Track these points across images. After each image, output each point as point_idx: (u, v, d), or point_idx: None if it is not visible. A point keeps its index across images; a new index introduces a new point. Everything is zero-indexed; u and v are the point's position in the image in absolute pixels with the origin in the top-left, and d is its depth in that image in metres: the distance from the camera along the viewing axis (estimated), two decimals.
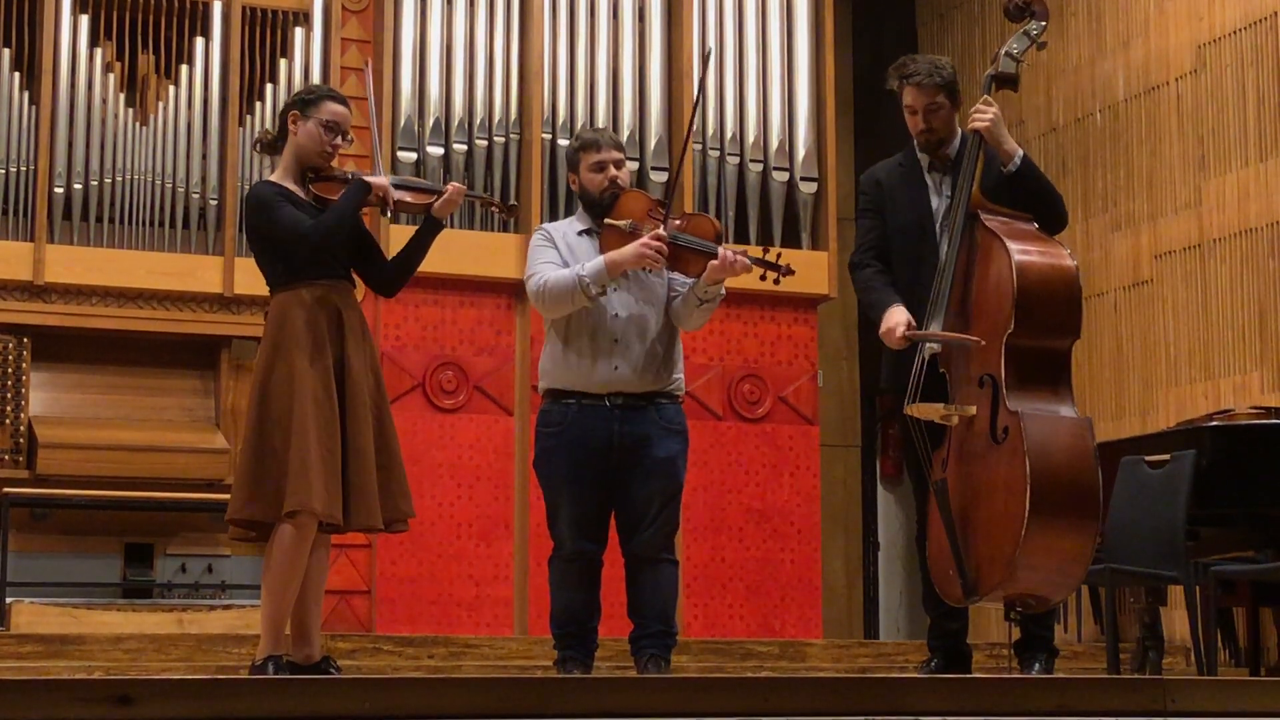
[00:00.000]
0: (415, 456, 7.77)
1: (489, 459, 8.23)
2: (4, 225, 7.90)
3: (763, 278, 5.17)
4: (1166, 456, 6.06)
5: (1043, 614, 5.02)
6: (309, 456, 4.69)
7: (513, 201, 8.08)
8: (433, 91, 8.33)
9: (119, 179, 8.03)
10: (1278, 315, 7.86)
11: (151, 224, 8.08)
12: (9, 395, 7.82)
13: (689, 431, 5.30)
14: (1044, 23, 5.14)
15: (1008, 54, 5.11)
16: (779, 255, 5.18)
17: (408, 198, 5.07)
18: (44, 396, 8.00)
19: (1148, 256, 8.64)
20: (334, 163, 5.07)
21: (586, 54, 8.60)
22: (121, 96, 8.13)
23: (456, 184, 5.13)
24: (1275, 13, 7.96)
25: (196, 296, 8.09)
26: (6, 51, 7.97)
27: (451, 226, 7.38)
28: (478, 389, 8.27)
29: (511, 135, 8.41)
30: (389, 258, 5.21)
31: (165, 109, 8.17)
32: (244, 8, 8.33)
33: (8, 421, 7.81)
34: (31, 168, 7.89)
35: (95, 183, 7.99)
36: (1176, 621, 7.84)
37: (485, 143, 8.36)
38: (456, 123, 8.35)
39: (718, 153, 8.68)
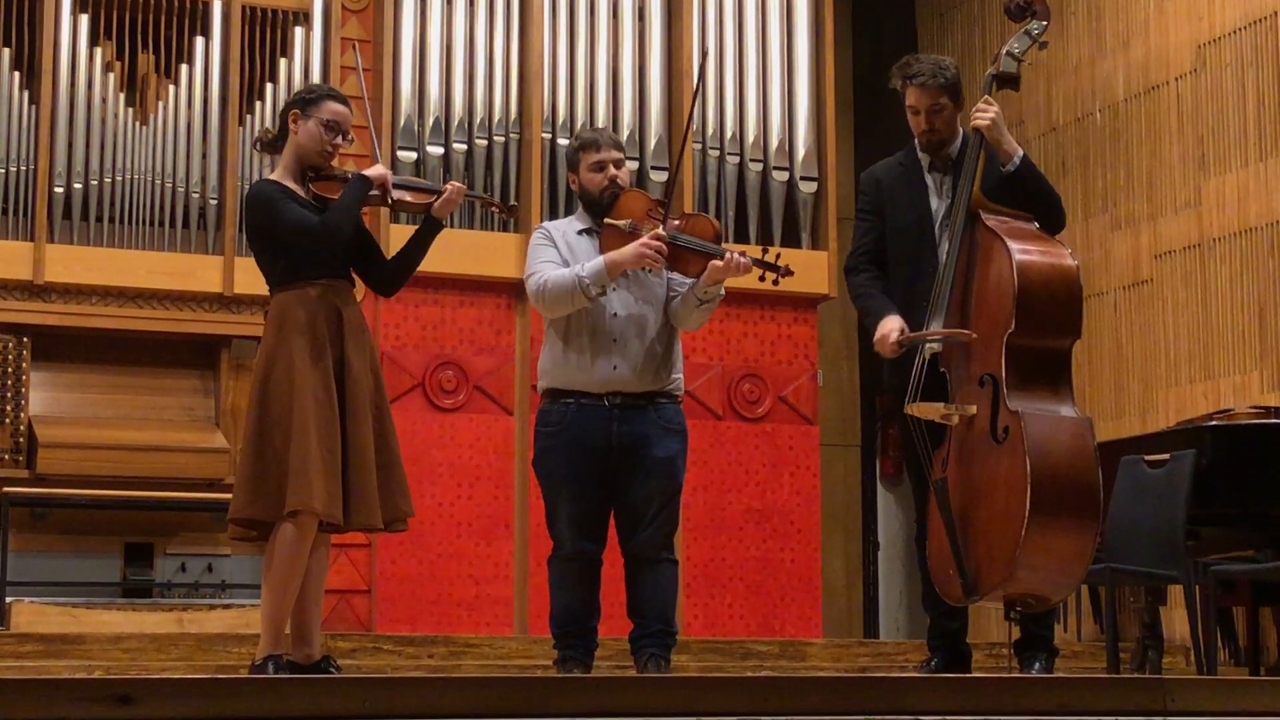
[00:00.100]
0: (415, 456, 7.77)
1: (489, 458, 8.23)
2: (4, 225, 7.90)
3: (761, 278, 5.18)
4: (1166, 456, 6.06)
5: (1043, 613, 5.02)
6: (309, 456, 4.69)
7: (513, 202, 8.09)
8: (432, 91, 8.33)
9: (119, 178, 8.03)
10: (1277, 315, 7.86)
11: (151, 223, 8.08)
12: (9, 395, 7.82)
13: (688, 431, 5.30)
14: (1045, 22, 5.14)
15: (1009, 53, 5.11)
16: (778, 256, 5.18)
17: (408, 197, 5.08)
18: (44, 396, 8.00)
19: (1147, 256, 8.64)
20: (334, 162, 5.07)
21: (586, 54, 8.61)
22: (121, 96, 8.12)
23: (456, 183, 5.13)
24: (1275, 12, 7.96)
25: (196, 296, 8.09)
26: (6, 51, 7.96)
27: (451, 226, 7.38)
28: (477, 388, 8.27)
29: (511, 135, 8.41)
30: (389, 257, 5.22)
31: (165, 108, 8.17)
32: (244, 7, 8.33)
33: (7, 421, 7.81)
34: (31, 167, 7.89)
35: (95, 182, 7.99)
36: (1176, 621, 7.84)
37: (485, 142, 8.36)
38: (456, 122, 8.35)
39: (717, 152, 8.69)
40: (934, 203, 5.16)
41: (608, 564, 5.21)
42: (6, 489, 7.58)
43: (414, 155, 8.25)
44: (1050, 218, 5.03)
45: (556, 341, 5.20)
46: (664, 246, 5.03)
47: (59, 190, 7.91)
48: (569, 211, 7.41)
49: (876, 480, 10.57)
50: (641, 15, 8.76)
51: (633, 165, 8.21)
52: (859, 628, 10.17)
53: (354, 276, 5.06)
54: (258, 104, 8.26)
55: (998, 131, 5.00)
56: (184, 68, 8.23)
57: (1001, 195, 4.98)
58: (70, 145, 7.98)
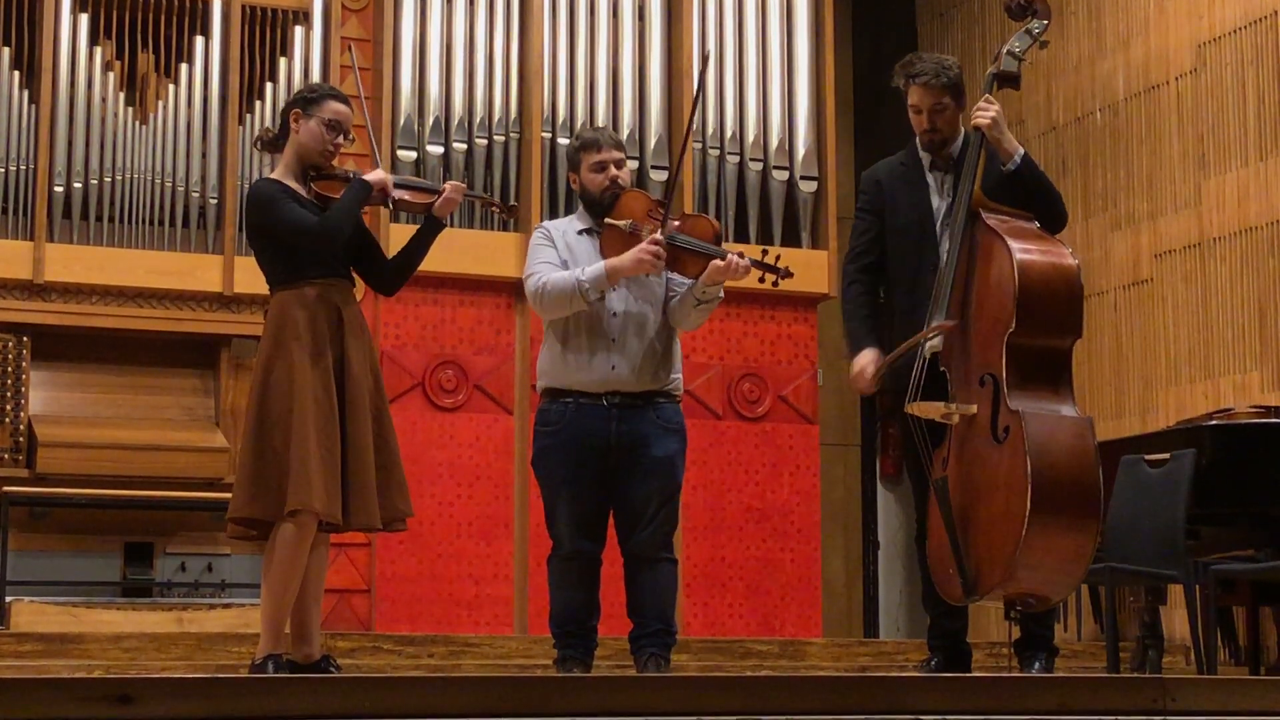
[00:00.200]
0: (415, 455, 7.77)
1: (489, 458, 8.23)
2: (3, 224, 7.90)
3: (761, 280, 5.19)
4: (1166, 456, 6.06)
5: (1043, 613, 5.01)
6: (309, 456, 4.69)
7: (513, 201, 8.09)
8: (432, 90, 8.33)
9: (119, 178, 8.03)
10: (1278, 314, 7.86)
11: (151, 223, 8.08)
12: (9, 394, 7.82)
13: (688, 431, 5.30)
14: (1046, 21, 5.14)
15: (1009, 52, 5.10)
16: (778, 258, 5.19)
17: (408, 197, 5.08)
18: (44, 395, 8.00)
19: (1148, 256, 8.63)
20: (334, 161, 5.07)
21: (586, 53, 8.61)
22: (121, 95, 8.12)
23: (456, 183, 5.14)
24: (1275, 12, 7.96)
25: (196, 295, 8.09)
26: (6, 50, 7.96)
27: (451, 225, 7.38)
28: (477, 388, 8.27)
29: (511, 134, 8.41)
30: (389, 257, 5.22)
31: (165, 108, 8.16)
32: (244, 6, 8.32)
33: (7, 420, 7.81)
34: (31, 166, 7.89)
35: (95, 181, 7.99)
36: (1176, 620, 7.84)
37: (485, 142, 8.36)
38: (456, 122, 8.35)
39: (717, 152, 8.69)
40: (935, 202, 5.16)
41: (607, 563, 5.21)
42: (6, 488, 7.58)
43: (414, 155, 8.25)
44: (1051, 216, 5.03)
45: (556, 341, 5.20)
46: (663, 252, 5.03)
47: (59, 189, 7.91)
48: (569, 211, 7.40)
49: (876, 480, 10.57)
50: (641, 15, 8.76)
51: (633, 165, 8.21)
52: (859, 627, 10.17)
53: (354, 276, 5.06)
54: (257, 103, 8.26)
55: (998, 130, 4.99)
56: (184, 67, 8.23)
57: (1002, 194, 4.98)
58: (70, 144, 7.98)
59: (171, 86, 8.20)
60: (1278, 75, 7.94)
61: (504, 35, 8.50)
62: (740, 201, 8.72)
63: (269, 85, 8.28)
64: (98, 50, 8.10)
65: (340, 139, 4.98)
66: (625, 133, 8.46)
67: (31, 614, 7.22)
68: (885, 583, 10.48)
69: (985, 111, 4.98)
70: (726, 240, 5.62)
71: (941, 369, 4.89)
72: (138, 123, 8.12)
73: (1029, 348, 4.72)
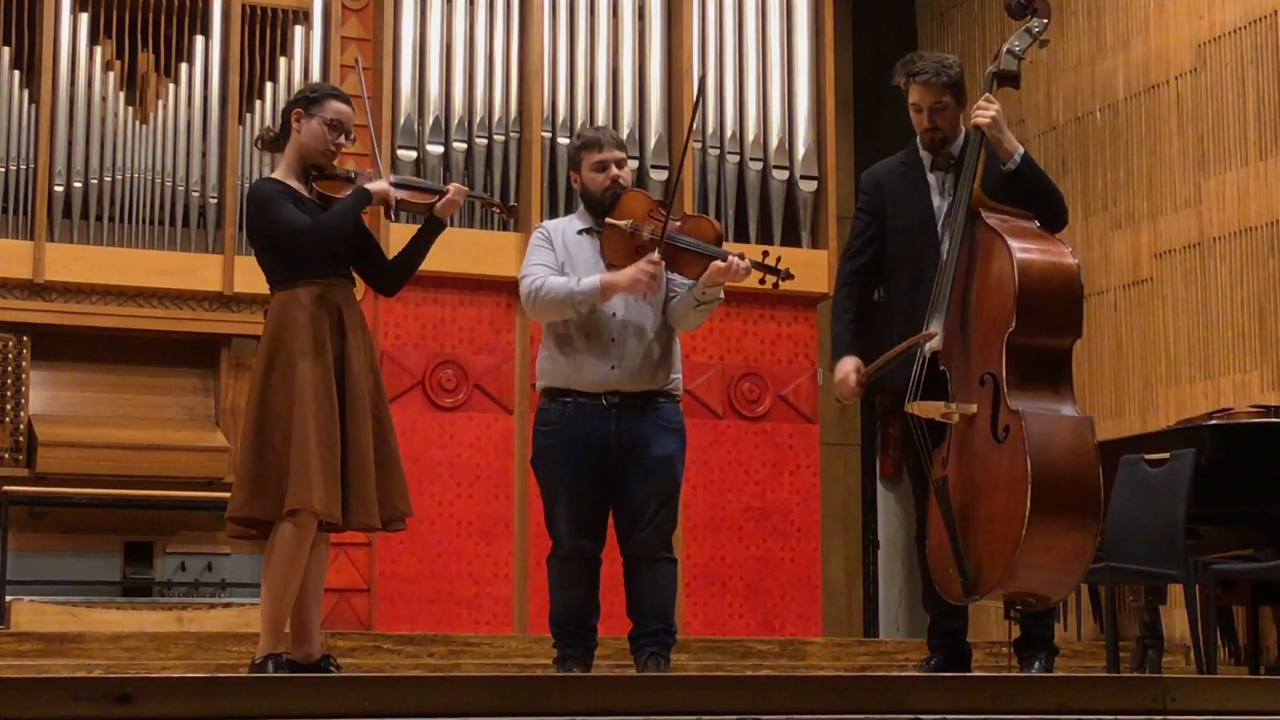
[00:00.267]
0: (415, 455, 7.77)
1: (489, 457, 8.23)
2: (3, 223, 7.90)
3: (761, 281, 5.19)
4: (1166, 455, 6.06)
5: (1043, 612, 5.01)
6: (309, 455, 4.69)
7: (512, 203, 8.09)
8: (432, 90, 8.33)
9: (119, 177, 8.03)
10: (1277, 314, 7.86)
11: (151, 222, 8.08)
12: (9, 394, 7.82)
13: (687, 430, 5.30)
14: (1046, 20, 5.13)
15: (1009, 51, 5.10)
16: (779, 259, 5.20)
17: (410, 197, 5.08)
18: (44, 395, 8.00)
19: (1147, 255, 8.63)
20: (335, 161, 5.07)
21: (586, 52, 8.61)
22: (121, 95, 8.12)
23: (458, 184, 5.15)
24: (1275, 11, 7.96)
25: (196, 295, 8.09)
26: (6, 50, 7.96)
27: (451, 225, 7.37)
28: (477, 387, 8.27)
29: (511, 134, 8.41)
30: (389, 257, 5.21)
31: (165, 107, 8.16)
32: (244, 6, 8.33)
33: (7, 420, 7.81)
34: (31, 166, 7.89)
35: (95, 181, 7.99)
36: (1176, 620, 7.84)
37: (485, 141, 8.36)
38: (456, 121, 8.35)
39: (717, 151, 8.69)
40: (935, 201, 5.15)
41: (607, 563, 5.21)
42: (6, 488, 7.58)
43: (414, 154, 8.25)
44: (1052, 216, 5.03)
45: (555, 341, 5.21)
46: (660, 273, 5.04)
47: (59, 189, 7.91)
48: (569, 210, 7.40)
49: (876, 479, 10.57)
50: (641, 14, 8.76)
51: (633, 165, 8.21)
52: (859, 627, 10.17)
53: (354, 276, 5.06)
54: (257, 103, 8.26)
55: (998, 129, 4.99)
56: (184, 66, 8.23)
57: (1003, 193, 4.98)
58: (70, 144, 7.98)
59: (171, 86, 8.20)
60: (1278, 75, 7.94)
61: (504, 35, 8.50)
62: (740, 201, 8.72)
63: (269, 85, 8.28)
64: (98, 50, 8.10)
65: (342, 139, 4.98)
66: (625, 132, 8.46)
67: (31, 613, 7.22)
68: (885, 582, 10.47)
69: (985, 110, 4.97)
70: (726, 240, 5.61)
71: (941, 368, 4.89)
72: (138, 122, 8.12)
73: (1029, 347, 4.72)
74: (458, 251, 7.88)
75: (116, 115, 8.07)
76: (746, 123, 8.77)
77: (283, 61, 8.34)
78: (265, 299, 5.14)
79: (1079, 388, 5.44)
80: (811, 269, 8.47)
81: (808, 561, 8.61)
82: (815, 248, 8.74)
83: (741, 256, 5.07)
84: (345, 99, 5.04)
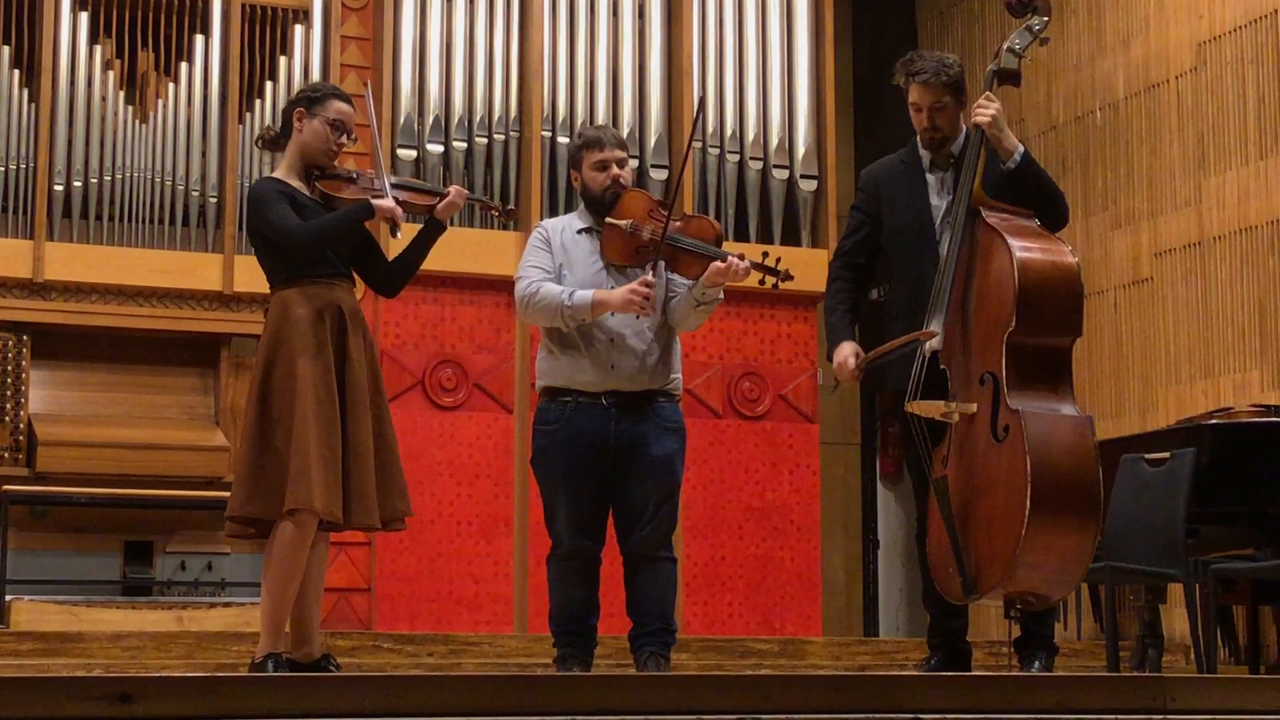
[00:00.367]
0: (415, 454, 7.77)
1: (489, 457, 8.23)
2: (3, 223, 7.90)
3: (761, 282, 5.19)
4: (1166, 454, 6.06)
5: (1043, 612, 5.01)
6: (310, 455, 4.69)
7: (510, 206, 8.08)
8: (432, 89, 8.33)
9: (118, 176, 8.03)
10: (1277, 313, 7.86)
11: (151, 221, 8.08)
12: (9, 393, 7.82)
13: (687, 430, 5.30)
14: (1046, 18, 5.13)
15: (1010, 49, 5.09)
16: (778, 260, 5.19)
17: (411, 198, 5.08)
18: (43, 394, 8.00)
19: (1148, 254, 8.63)
20: (336, 160, 5.07)
21: (586, 52, 8.61)
22: (121, 94, 8.12)
23: (458, 187, 5.15)
24: (1275, 10, 7.96)
25: (196, 294, 8.09)
26: (6, 49, 7.96)
27: (451, 224, 7.38)
28: (477, 387, 8.27)
29: (511, 133, 8.41)
30: (390, 258, 5.21)
31: (165, 106, 8.16)
32: (244, 5, 8.33)
33: (7, 419, 7.81)
34: (31, 165, 7.89)
35: (95, 180, 7.99)
36: (1176, 619, 7.84)
37: (485, 140, 8.36)
38: (456, 120, 8.35)
39: (717, 150, 8.69)
40: (934, 201, 5.15)
41: (607, 562, 5.21)
42: (6, 487, 7.58)
43: (414, 153, 8.25)
44: (1052, 214, 5.02)
45: (555, 341, 5.20)
46: (653, 295, 5.04)
47: (58, 188, 7.91)
48: (569, 209, 7.40)
49: (876, 478, 10.57)
50: (641, 13, 8.76)
51: (633, 164, 8.21)
52: (859, 626, 10.17)
53: (354, 275, 5.06)
54: (258, 102, 8.26)
55: (998, 128, 4.98)
56: (184, 66, 8.23)
57: (1003, 192, 4.97)
58: (70, 143, 7.98)
59: (171, 85, 8.20)
60: (1278, 75, 7.94)
61: (504, 34, 8.50)
62: (740, 200, 8.72)
63: (269, 84, 8.28)
64: (98, 49, 8.10)
65: (344, 139, 4.98)
66: (625, 131, 8.46)
67: (31, 613, 7.22)
68: (885, 581, 10.48)
69: (985, 109, 4.97)
70: (726, 239, 5.60)
71: (942, 367, 4.89)
72: (138, 121, 8.12)
73: (1029, 346, 4.71)
74: (458, 251, 7.88)
75: (116, 114, 8.07)
76: (746, 122, 8.77)
77: (283, 61, 8.34)
78: (265, 298, 5.14)
79: (1079, 387, 5.43)
80: (811, 268, 8.46)
81: (808, 561, 8.61)
82: (815, 247, 8.74)
83: (741, 257, 5.07)
84: (347, 99, 5.04)
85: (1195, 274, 8.31)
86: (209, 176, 8.18)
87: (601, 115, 8.51)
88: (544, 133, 8.41)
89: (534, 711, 3.30)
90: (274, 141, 5.07)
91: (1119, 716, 3.64)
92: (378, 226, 5.16)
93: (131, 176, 8.05)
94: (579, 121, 8.42)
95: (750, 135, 8.75)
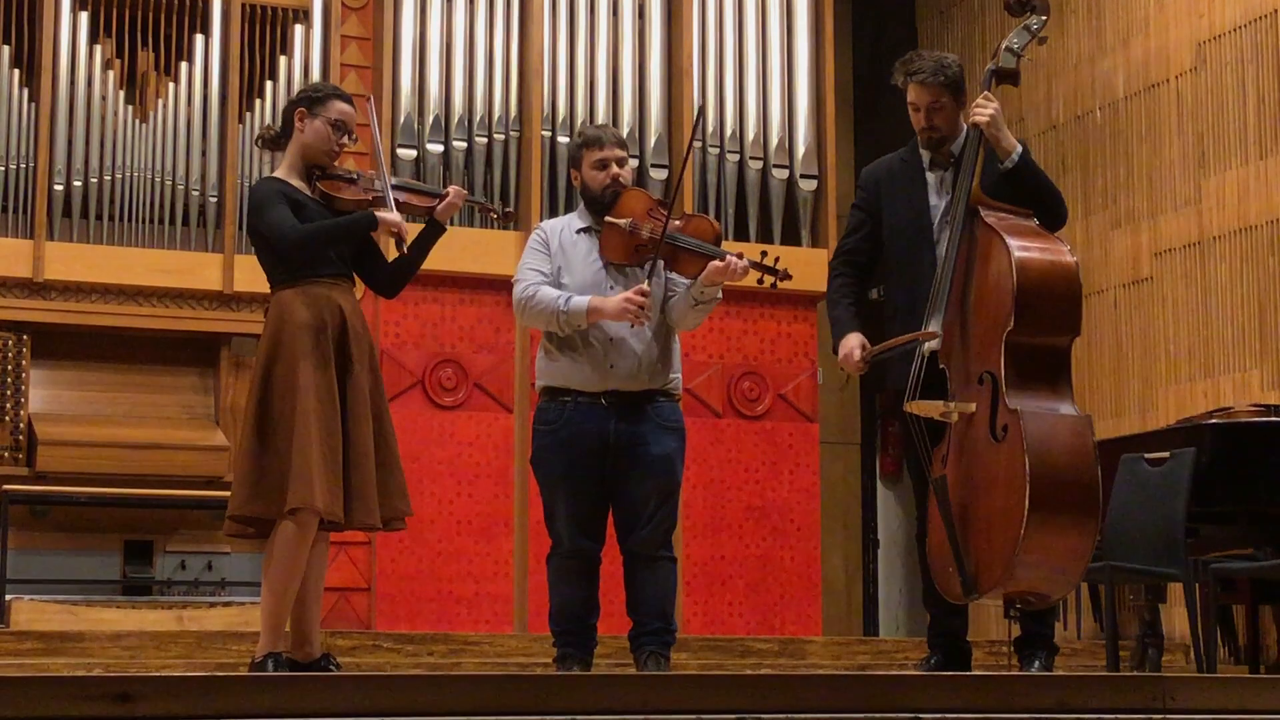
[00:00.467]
0: (415, 454, 7.77)
1: (488, 456, 8.23)
2: (3, 222, 7.90)
3: (760, 281, 5.19)
4: (1166, 454, 6.06)
5: (1043, 611, 5.01)
6: (310, 454, 4.68)
7: (509, 208, 8.09)
8: (432, 89, 8.33)
9: (118, 176, 8.03)
10: (1277, 313, 7.86)
11: (151, 221, 8.08)
12: (9, 392, 7.82)
13: (687, 429, 5.30)
14: (1045, 17, 5.13)
15: (1008, 49, 5.09)
16: (777, 259, 5.19)
17: (410, 200, 5.08)
18: (43, 393, 8.00)
19: (1147, 254, 8.63)
20: (337, 160, 5.07)
21: (586, 51, 8.61)
22: (121, 93, 8.13)
23: (457, 187, 5.16)
24: (1275, 10, 7.96)
25: (196, 294, 8.10)
26: (6, 49, 7.96)
27: (451, 224, 7.38)
28: (477, 386, 8.27)
29: (511, 132, 8.41)
30: (389, 259, 5.21)
31: (165, 106, 8.17)
32: (244, 5, 8.33)
33: (7, 419, 7.81)
34: (31, 165, 7.89)
35: (95, 180, 7.99)
36: (1176, 619, 7.84)
37: (485, 140, 8.36)
38: (456, 120, 8.35)
39: (717, 150, 8.69)
40: (933, 200, 5.15)
41: (607, 562, 5.21)
42: (6, 486, 7.58)
43: (414, 153, 8.25)
44: (1051, 214, 5.02)
45: (554, 341, 5.20)
46: (648, 304, 5.04)
47: (59, 188, 7.91)
48: (569, 209, 7.41)
49: (876, 478, 10.58)
50: (641, 13, 8.76)
51: (632, 163, 8.21)
52: (859, 625, 10.18)
53: (354, 276, 5.06)
54: (258, 102, 8.26)
55: (996, 127, 4.98)
56: (184, 65, 8.23)
57: (1002, 192, 4.97)
58: (70, 143, 7.98)
59: (171, 85, 8.20)
60: (1278, 74, 7.94)
61: (504, 33, 8.51)
62: (740, 200, 8.72)
63: (269, 84, 8.28)
64: (98, 48, 8.10)
65: (345, 139, 4.99)
66: (625, 131, 8.46)
67: (31, 612, 7.22)
68: (885, 581, 10.48)
69: (983, 109, 4.97)
70: (725, 239, 5.60)
71: (941, 367, 4.89)
72: (138, 121, 8.12)
73: (1028, 346, 4.71)
74: (457, 250, 7.88)
75: (116, 114, 8.08)
76: (746, 122, 8.77)
77: (283, 60, 8.34)
78: (265, 298, 5.14)
79: (1079, 387, 5.44)
80: (811, 268, 8.46)
81: (807, 560, 8.62)
82: (815, 246, 8.74)
83: (740, 256, 5.07)
84: (348, 99, 5.04)
85: (1195, 274, 8.31)
86: (209, 176, 8.18)
87: (601, 115, 8.51)
88: (544, 132, 8.41)
89: (534, 711, 3.31)
90: (274, 141, 5.07)
91: (1119, 716, 3.64)
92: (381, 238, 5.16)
93: (131, 176, 8.05)
94: (579, 121, 8.42)
95: (750, 135, 8.75)
